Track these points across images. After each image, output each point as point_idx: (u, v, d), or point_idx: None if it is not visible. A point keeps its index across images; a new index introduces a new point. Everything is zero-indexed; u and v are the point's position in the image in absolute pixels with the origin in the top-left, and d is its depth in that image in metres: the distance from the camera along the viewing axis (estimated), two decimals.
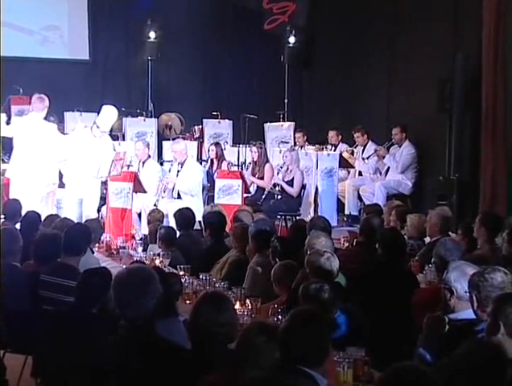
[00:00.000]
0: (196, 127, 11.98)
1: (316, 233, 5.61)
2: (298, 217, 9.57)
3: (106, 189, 9.22)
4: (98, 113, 11.79)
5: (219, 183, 9.51)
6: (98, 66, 12.99)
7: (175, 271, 5.78)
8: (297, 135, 11.73)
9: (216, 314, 3.40)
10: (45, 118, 9.14)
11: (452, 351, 2.94)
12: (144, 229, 8.54)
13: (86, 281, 4.24)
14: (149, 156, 10.03)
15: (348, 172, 11.15)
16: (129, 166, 9.72)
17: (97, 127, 9.07)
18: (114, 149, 9.48)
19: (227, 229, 7.21)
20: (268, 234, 5.98)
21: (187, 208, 7.60)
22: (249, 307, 4.67)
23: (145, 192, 9.17)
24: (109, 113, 9.15)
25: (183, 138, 11.52)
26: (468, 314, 3.74)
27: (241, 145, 11.16)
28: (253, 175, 10.18)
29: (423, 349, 3.64)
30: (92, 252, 6.44)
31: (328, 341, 3.18)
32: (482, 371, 2.74)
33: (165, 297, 3.60)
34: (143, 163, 9.88)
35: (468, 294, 3.71)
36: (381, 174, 10.64)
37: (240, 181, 9.45)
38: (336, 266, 4.78)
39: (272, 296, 5.03)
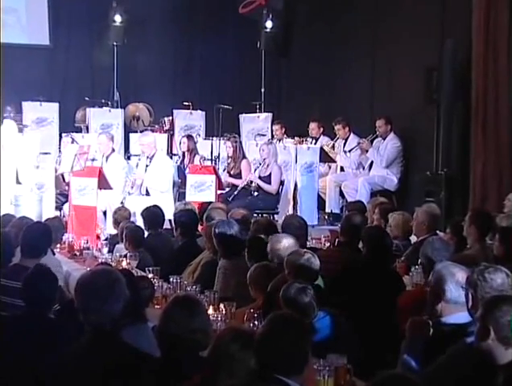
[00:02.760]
0: (165, 118, 11.95)
1: (275, 238, 5.52)
2: (276, 215, 9.60)
3: (69, 185, 9.17)
4: (60, 103, 11.72)
5: (191, 179, 9.50)
6: (59, 52, 12.88)
7: (143, 273, 5.77)
8: (275, 127, 11.73)
9: (187, 320, 3.39)
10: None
11: (439, 358, 2.96)
12: (109, 228, 8.50)
13: (33, 283, 4.19)
14: (113, 150, 9.97)
15: (330, 167, 11.18)
16: (93, 160, 9.66)
17: None
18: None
19: (199, 228, 7.20)
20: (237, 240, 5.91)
21: (156, 206, 7.57)
22: (223, 312, 4.67)
23: (111, 189, 9.13)
24: None
25: (152, 130, 11.47)
26: (456, 318, 3.76)
27: (214, 138, 11.14)
28: (229, 172, 10.17)
29: (408, 355, 3.66)
30: (54, 254, 6.40)
31: (308, 348, 3.19)
32: (471, 379, 2.77)
33: (133, 302, 3.58)
34: (107, 158, 9.83)
35: (456, 297, 3.75)
36: (364, 168, 10.68)
37: (213, 176, 9.44)
38: (317, 267, 4.80)
39: (245, 300, 5.04)
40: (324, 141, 11.23)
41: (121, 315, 3.39)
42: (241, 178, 9.99)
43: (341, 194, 10.58)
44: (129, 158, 10.89)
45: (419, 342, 3.71)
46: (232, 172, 10.12)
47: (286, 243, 5.41)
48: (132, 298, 3.54)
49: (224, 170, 10.39)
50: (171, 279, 5.50)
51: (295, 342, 3.12)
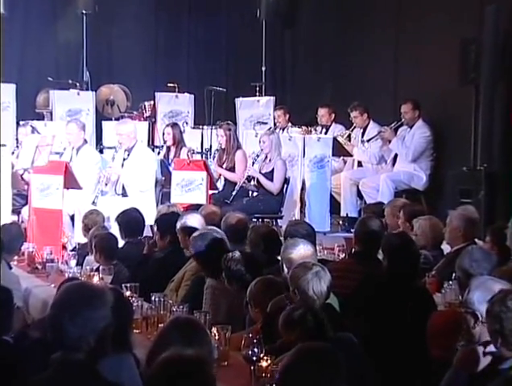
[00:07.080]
0: (146, 103, 11.98)
1: (292, 241, 5.58)
2: (280, 220, 9.61)
3: (28, 184, 9.18)
4: (17, 85, 11.70)
5: (177, 176, 9.52)
6: (16, 22, 12.86)
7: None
8: (276, 113, 11.75)
9: (185, 349, 3.39)
10: None
11: None
12: (78, 236, 8.52)
13: None
14: (85, 141, 9.99)
15: (345, 162, 11.19)
16: (58, 153, 9.68)
17: None
18: None
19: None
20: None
21: (135, 209, 7.59)
22: (216, 337, 4.68)
23: (80, 188, 9.15)
24: None
25: (130, 118, 11.49)
26: None
27: (205, 127, 11.16)
28: (221, 166, 10.17)
29: None
30: (10, 268, 6.42)
31: None
32: None
33: (120, 327, 3.59)
34: (77, 150, 9.84)
35: None
36: (386, 163, 10.70)
37: (204, 173, 9.46)
38: (328, 283, 4.81)
39: (239, 325, 5.05)
40: (336, 130, 11.25)
41: (99, 345, 3.39)
42: (234, 172, 9.99)
43: (359, 194, 10.59)
44: (101, 151, 10.91)
45: (464, 376, 3.71)
46: (224, 166, 10.11)
47: (302, 249, 5.43)
48: (119, 322, 3.54)
49: (213, 159, 10.37)
50: (153, 297, 5.51)
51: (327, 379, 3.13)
